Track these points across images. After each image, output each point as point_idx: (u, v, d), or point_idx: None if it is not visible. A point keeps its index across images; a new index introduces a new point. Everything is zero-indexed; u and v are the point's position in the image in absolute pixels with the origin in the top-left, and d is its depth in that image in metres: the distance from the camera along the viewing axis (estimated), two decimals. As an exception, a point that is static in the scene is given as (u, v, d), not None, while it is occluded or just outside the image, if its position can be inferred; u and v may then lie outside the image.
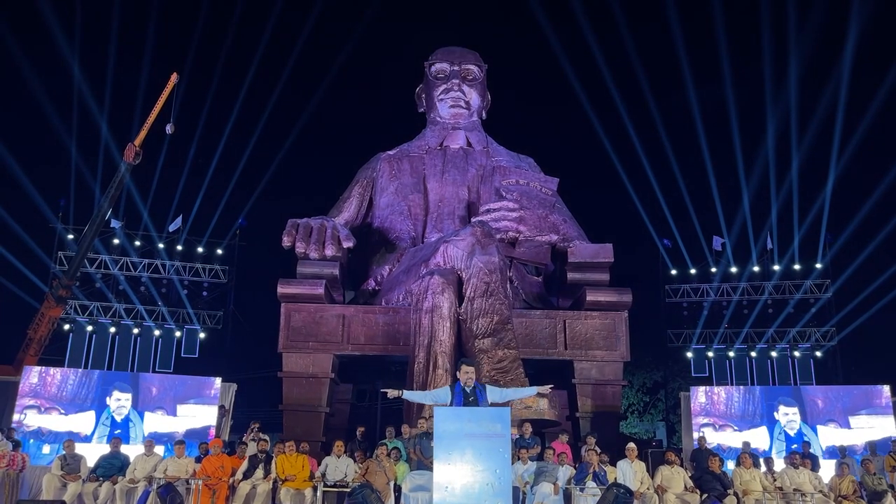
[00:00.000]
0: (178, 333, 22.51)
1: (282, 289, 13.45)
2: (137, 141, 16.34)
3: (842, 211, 22.05)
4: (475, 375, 6.99)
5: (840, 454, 12.86)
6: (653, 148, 23.15)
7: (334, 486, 10.00)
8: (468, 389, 6.77)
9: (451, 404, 6.75)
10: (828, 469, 11.90)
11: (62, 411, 13.42)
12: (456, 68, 16.97)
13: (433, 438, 6.50)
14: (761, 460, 11.68)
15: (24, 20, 23.13)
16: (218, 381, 14.17)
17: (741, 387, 17.78)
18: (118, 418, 13.49)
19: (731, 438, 13.69)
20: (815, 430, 13.98)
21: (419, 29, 31.35)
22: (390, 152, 16.89)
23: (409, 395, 7.63)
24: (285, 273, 13.79)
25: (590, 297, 13.59)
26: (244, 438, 11.91)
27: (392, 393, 7.33)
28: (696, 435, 13.87)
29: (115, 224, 21.35)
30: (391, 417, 16.97)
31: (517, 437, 10.65)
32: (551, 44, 22.51)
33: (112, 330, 21.81)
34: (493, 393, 7.00)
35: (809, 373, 22.25)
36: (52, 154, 23.78)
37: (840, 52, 20.53)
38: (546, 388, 7.65)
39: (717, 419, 14.26)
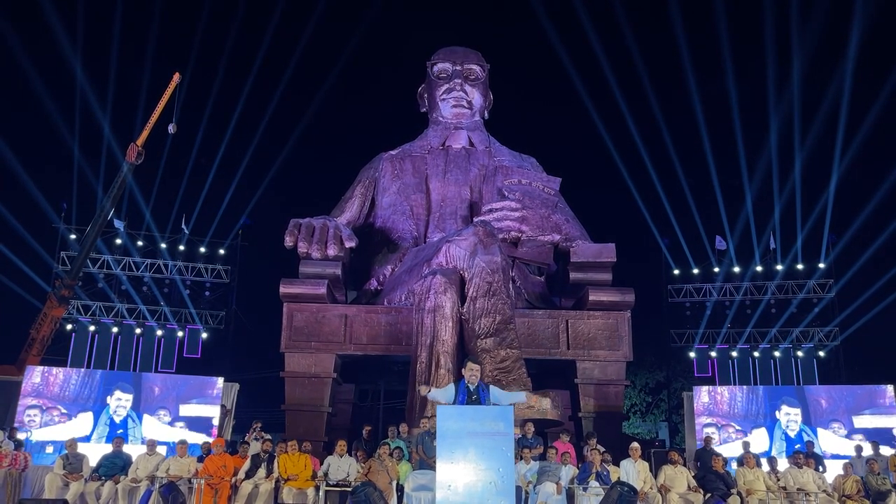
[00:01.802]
0: (180, 333, 22.52)
1: (284, 289, 13.45)
2: (139, 141, 16.36)
3: (845, 210, 22.03)
4: (479, 375, 6.99)
5: (857, 451, 12.81)
6: (655, 147, 23.15)
7: (336, 485, 9.99)
8: (472, 388, 6.76)
9: (454, 402, 6.75)
10: (833, 470, 11.84)
11: (64, 411, 13.43)
12: (458, 68, 16.96)
13: (436, 438, 6.49)
14: (764, 460, 11.65)
15: (27, 20, 23.17)
16: (220, 380, 14.18)
17: (744, 387, 17.76)
18: (117, 419, 13.49)
19: (732, 448, 13.52)
20: (815, 433, 13.93)
21: (421, 29, 31.36)
22: (392, 152, 16.89)
23: (432, 395, 7.68)
24: (287, 273, 13.80)
25: (592, 297, 13.57)
26: (246, 438, 11.90)
27: (423, 390, 7.69)
28: (698, 436, 13.86)
29: (117, 224, 21.37)
30: (393, 417, 16.96)
31: (520, 436, 10.63)
32: (553, 43, 22.52)
33: (114, 330, 21.84)
34: (494, 394, 7.01)
35: (812, 373, 22.20)
36: (54, 154, 23.86)
37: (843, 51, 20.51)
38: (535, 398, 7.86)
39: (721, 419, 14.23)
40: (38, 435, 13.20)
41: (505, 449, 6.31)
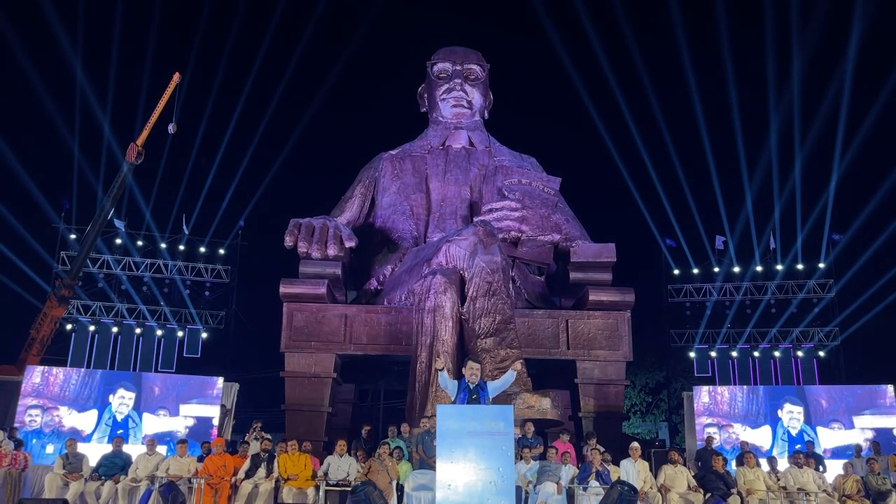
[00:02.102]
0: (180, 333, 22.53)
1: (284, 288, 13.44)
2: (139, 140, 16.37)
3: (845, 210, 22.04)
4: (479, 374, 7.01)
5: (855, 452, 12.82)
6: (655, 147, 23.16)
7: (336, 485, 9.99)
8: (472, 386, 6.77)
9: (454, 401, 6.76)
10: (833, 470, 11.85)
11: (64, 411, 13.42)
12: (458, 68, 16.95)
13: (436, 437, 6.49)
14: (763, 460, 11.66)
15: (27, 20, 23.16)
16: (220, 380, 14.17)
17: (745, 386, 17.75)
18: (119, 417, 13.50)
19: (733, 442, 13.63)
20: (814, 431, 13.94)
21: (422, 28, 31.38)
22: (392, 152, 16.88)
23: (443, 379, 7.68)
24: (287, 273, 13.78)
25: (592, 297, 13.56)
26: (246, 438, 11.91)
27: (439, 363, 7.77)
28: (698, 436, 13.85)
29: (117, 224, 21.38)
30: (393, 417, 16.98)
31: (520, 436, 10.63)
32: (553, 42, 22.53)
33: (114, 330, 21.85)
34: (490, 388, 7.04)
35: (812, 373, 22.21)
36: (54, 154, 23.87)
37: (843, 50, 20.51)
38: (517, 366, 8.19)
39: (721, 419, 14.23)
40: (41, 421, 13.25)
41: (505, 448, 6.31)
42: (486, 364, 11.17)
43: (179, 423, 13.32)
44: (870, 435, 13.25)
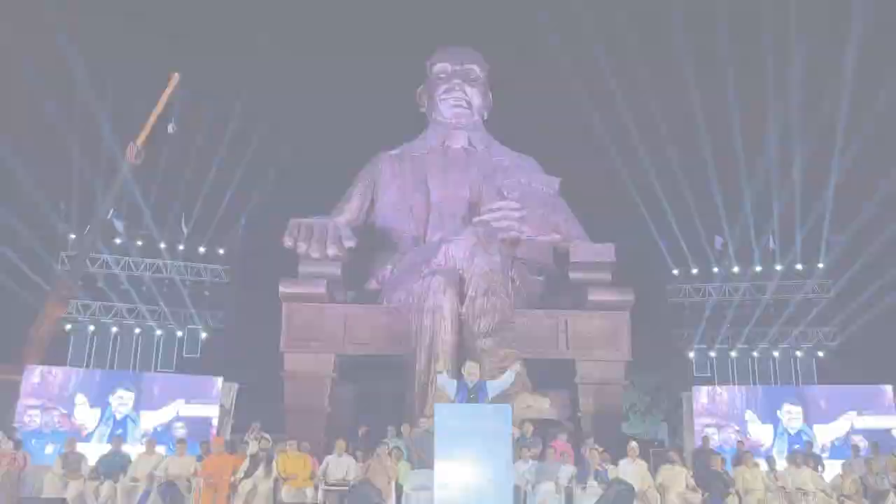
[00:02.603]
0: (179, 333, 22.53)
1: (284, 288, 13.45)
2: (139, 141, 16.35)
3: (844, 211, 22.00)
4: (478, 373, 7.03)
5: (853, 452, 12.82)
6: (655, 147, 23.13)
7: (335, 484, 9.99)
8: (470, 385, 6.78)
9: (454, 400, 6.77)
10: (832, 470, 11.84)
11: (64, 411, 13.44)
12: (458, 68, 16.96)
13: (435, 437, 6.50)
14: (761, 460, 11.66)
15: (26, 20, 23.14)
16: (219, 380, 14.18)
17: (744, 386, 17.76)
18: (118, 416, 13.50)
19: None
20: (810, 428, 13.96)
21: (421, 29, 31.33)
22: (392, 152, 16.89)
23: (441, 380, 7.67)
24: (287, 273, 13.79)
25: (591, 297, 13.57)
26: (245, 438, 11.90)
27: (440, 365, 7.98)
28: (697, 436, 13.86)
29: (117, 224, 21.38)
30: (393, 417, 16.93)
31: (518, 436, 10.62)
32: (551, 40, 22.54)
33: (114, 329, 21.86)
34: (489, 388, 7.06)
35: (812, 373, 22.24)
36: (54, 154, 23.83)
37: (843, 51, 20.50)
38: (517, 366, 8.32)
39: (720, 419, 14.23)
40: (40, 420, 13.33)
41: (503, 448, 6.32)
42: (485, 364, 11.16)
43: (172, 411, 13.37)
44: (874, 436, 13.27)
